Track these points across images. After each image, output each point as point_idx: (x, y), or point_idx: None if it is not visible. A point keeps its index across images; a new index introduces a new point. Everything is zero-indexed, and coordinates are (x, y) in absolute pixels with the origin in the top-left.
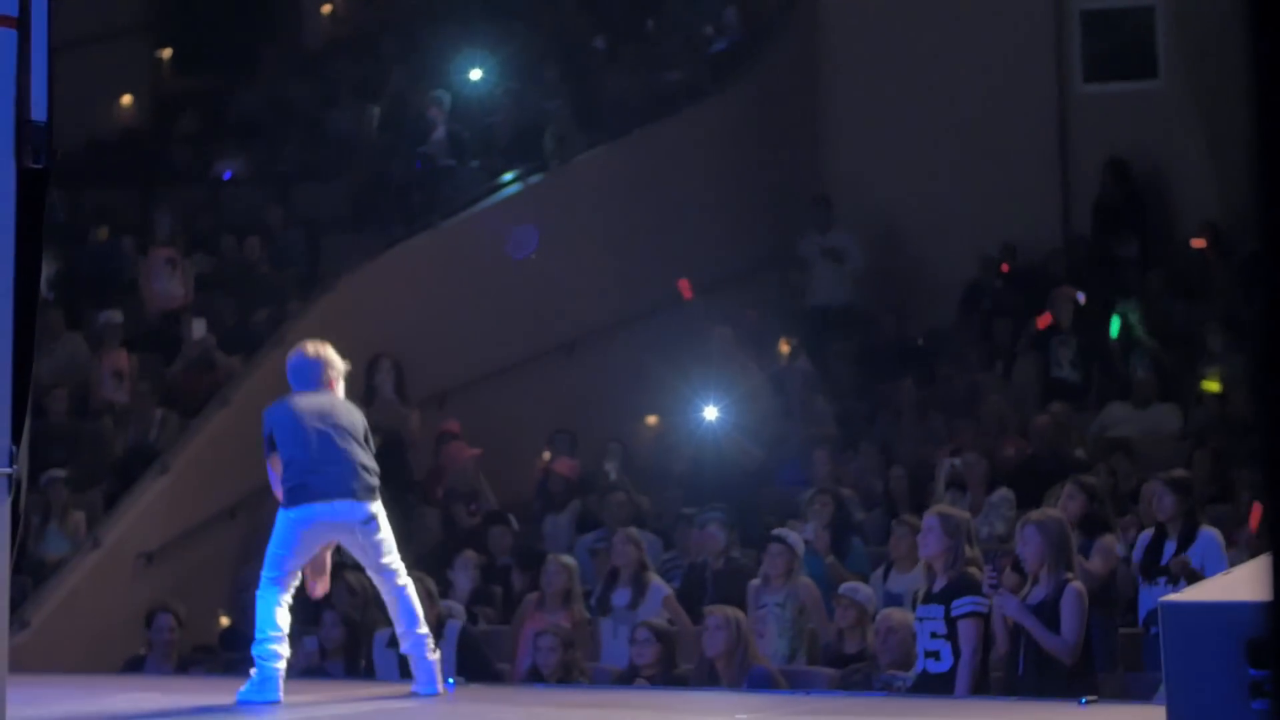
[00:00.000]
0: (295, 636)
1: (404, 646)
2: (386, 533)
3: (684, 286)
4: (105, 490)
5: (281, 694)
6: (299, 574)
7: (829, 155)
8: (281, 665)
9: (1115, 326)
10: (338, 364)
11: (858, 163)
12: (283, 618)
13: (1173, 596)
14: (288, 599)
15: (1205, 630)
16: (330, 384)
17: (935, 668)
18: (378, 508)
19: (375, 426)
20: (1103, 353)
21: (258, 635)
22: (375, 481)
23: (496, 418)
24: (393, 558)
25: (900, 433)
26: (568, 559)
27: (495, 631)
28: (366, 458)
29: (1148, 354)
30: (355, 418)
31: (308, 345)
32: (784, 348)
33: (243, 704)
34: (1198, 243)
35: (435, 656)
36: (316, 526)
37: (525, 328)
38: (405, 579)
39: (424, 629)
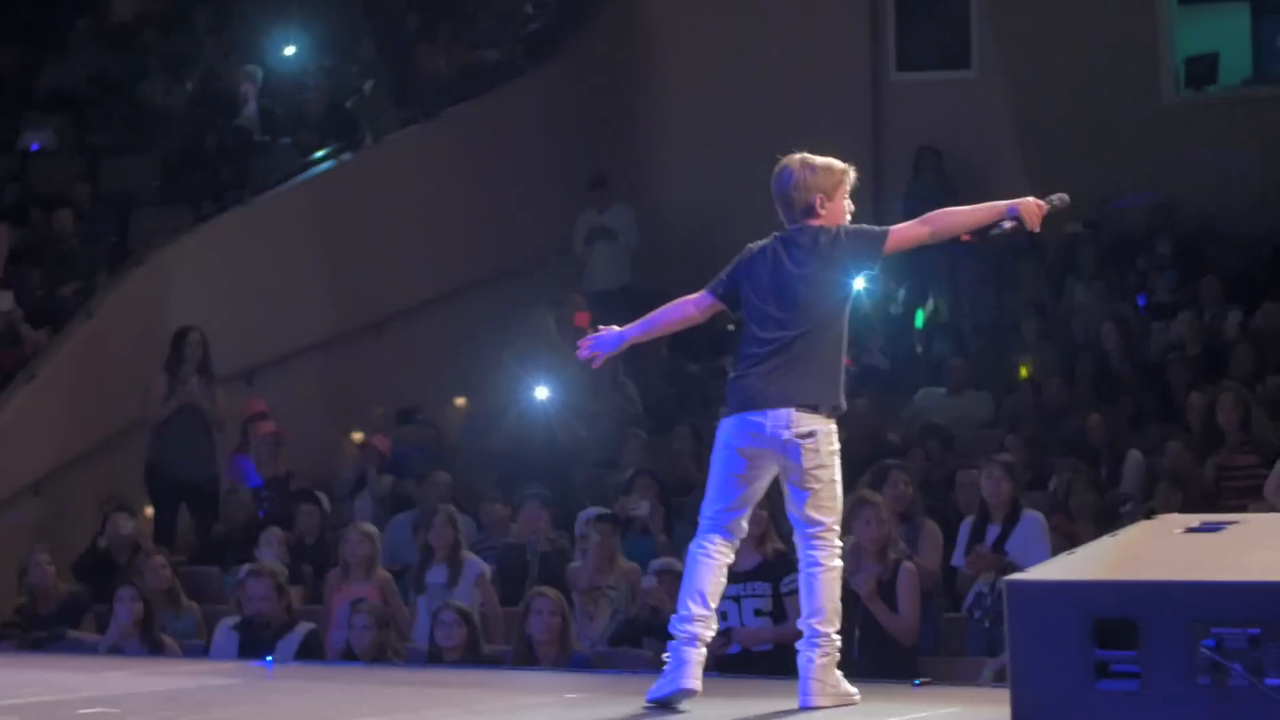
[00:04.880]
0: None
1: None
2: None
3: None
4: None
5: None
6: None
7: (643, 137)
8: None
9: (920, 317)
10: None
11: (672, 146)
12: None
13: (1018, 575)
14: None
15: (1051, 609)
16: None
17: (760, 645)
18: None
19: (181, 403)
20: (912, 340)
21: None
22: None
23: (305, 396)
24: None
25: (712, 416)
26: (369, 527)
27: (307, 610)
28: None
29: (958, 341)
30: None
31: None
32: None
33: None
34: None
35: None
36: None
37: (335, 306)
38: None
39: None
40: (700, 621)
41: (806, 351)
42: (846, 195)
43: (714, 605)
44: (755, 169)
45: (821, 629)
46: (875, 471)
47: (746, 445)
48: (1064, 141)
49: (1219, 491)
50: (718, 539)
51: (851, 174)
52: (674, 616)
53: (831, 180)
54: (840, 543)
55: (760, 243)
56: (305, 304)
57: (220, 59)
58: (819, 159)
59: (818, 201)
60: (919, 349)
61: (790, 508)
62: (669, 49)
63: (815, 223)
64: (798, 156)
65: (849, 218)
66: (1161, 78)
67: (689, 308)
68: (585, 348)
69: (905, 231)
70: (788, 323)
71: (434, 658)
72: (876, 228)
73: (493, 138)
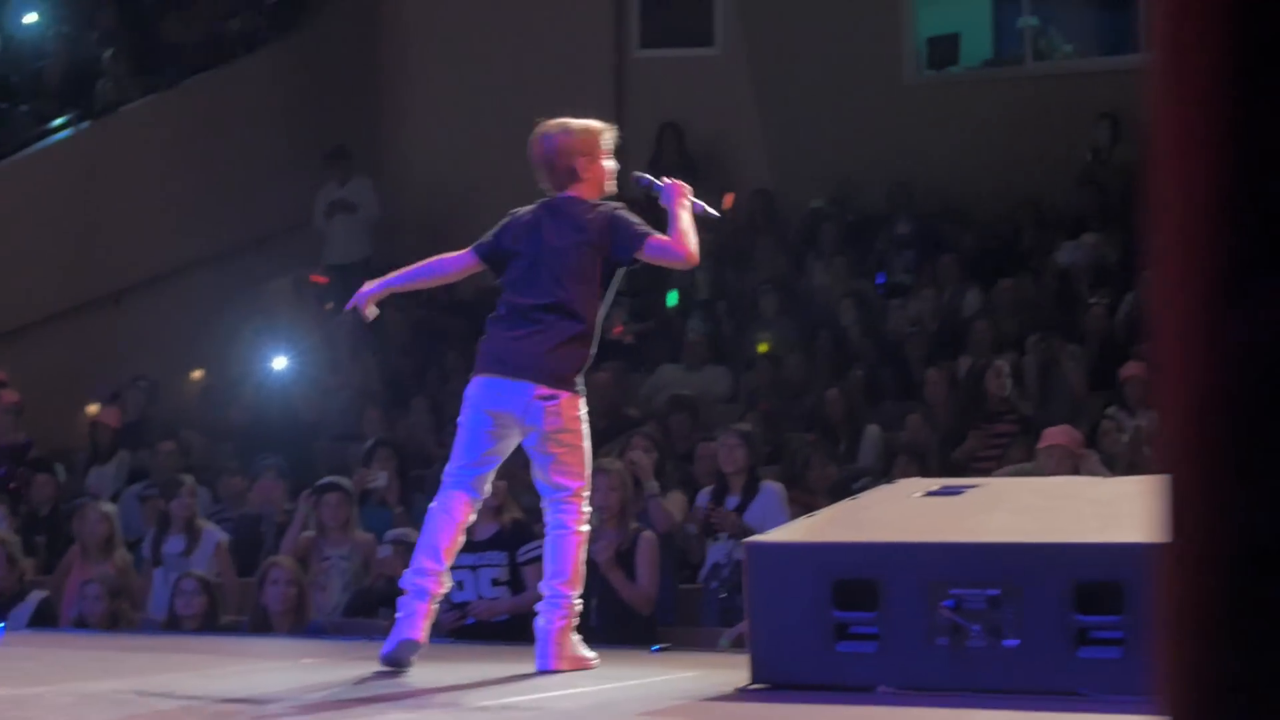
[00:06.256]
0: None
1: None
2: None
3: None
4: None
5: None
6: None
7: (385, 110)
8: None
9: (673, 297)
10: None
11: (414, 119)
12: None
13: (758, 538)
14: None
15: (791, 571)
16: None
17: (497, 616)
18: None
19: None
20: (653, 314)
21: None
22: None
23: (42, 367)
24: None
25: (449, 391)
26: (108, 506)
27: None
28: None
29: (702, 316)
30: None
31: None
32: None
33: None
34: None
35: None
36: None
37: (73, 276)
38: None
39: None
40: (432, 576)
41: (555, 322)
42: (609, 155)
43: (449, 563)
44: (497, 142)
45: (564, 590)
46: (620, 443)
47: (492, 406)
48: (806, 120)
49: (965, 465)
50: (460, 496)
51: (610, 133)
52: (406, 571)
53: (590, 142)
54: (589, 509)
55: (527, 208)
56: (42, 274)
57: None
58: (577, 122)
59: (579, 165)
60: (671, 322)
61: (536, 473)
62: (412, 22)
63: (580, 192)
64: (556, 121)
65: (613, 177)
66: (903, 58)
67: (449, 265)
68: (351, 302)
69: (661, 246)
70: (539, 291)
71: (172, 626)
72: (639, 229)
73: (233, 109)
